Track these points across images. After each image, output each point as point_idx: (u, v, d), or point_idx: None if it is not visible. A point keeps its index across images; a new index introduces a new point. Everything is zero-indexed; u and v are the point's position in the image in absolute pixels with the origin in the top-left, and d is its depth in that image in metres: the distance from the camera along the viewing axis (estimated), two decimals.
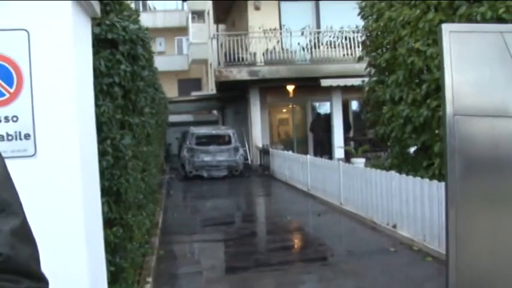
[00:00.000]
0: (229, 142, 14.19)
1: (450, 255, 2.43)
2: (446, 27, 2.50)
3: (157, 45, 30.39)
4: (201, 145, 13.98)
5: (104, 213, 3.05)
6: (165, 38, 30.68)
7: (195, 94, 22.00)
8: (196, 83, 29.89)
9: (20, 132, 1.97)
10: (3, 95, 1.96)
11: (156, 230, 6.48)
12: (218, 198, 10.54)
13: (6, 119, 1.96)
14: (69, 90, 2.01)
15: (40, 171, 2.00)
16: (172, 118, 25.66)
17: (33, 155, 1.99)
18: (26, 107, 1.97)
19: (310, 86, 15.13)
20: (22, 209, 0.79)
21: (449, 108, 2.45)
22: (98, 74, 3.03)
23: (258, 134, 15.62)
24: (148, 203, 5.86)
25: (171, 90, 26.25)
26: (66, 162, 2.02)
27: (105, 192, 3.14)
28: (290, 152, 12.33)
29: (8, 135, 1.97)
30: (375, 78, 7.78)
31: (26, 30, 1.95)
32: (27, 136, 1.98)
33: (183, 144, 15.00)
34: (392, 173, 6.28)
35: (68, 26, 2.00)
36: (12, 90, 1.96)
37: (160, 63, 28.47)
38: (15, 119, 1.97)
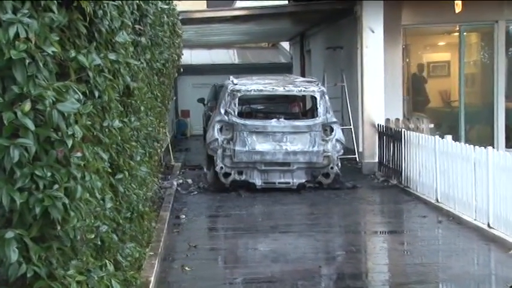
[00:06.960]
0: (312, 113, 14.27)
1: None
2: None
3: None
4: (251, 117, 14.23)
5: (7, 266, 3.07)
6: None
7: (242, 5, 22.11)
8: None
9: None
10: None
11: None
12: (284, 235, 10.63)
13: None
14: None
15: None
16: (193, 57, 26.17)
17: None
18: None
19: None
20: None
21: None
22: None
23: (378, 97, 15.51)
24: (125, 240, 5.91)
25: None
26: None
27: (15, 218, 3.15)
28: (447, 139, 12.16)
29: None
30: None
31: None
32: None
33: (213, 113, 15.18)
34: None
35: None
36: None
37: None
38: None
